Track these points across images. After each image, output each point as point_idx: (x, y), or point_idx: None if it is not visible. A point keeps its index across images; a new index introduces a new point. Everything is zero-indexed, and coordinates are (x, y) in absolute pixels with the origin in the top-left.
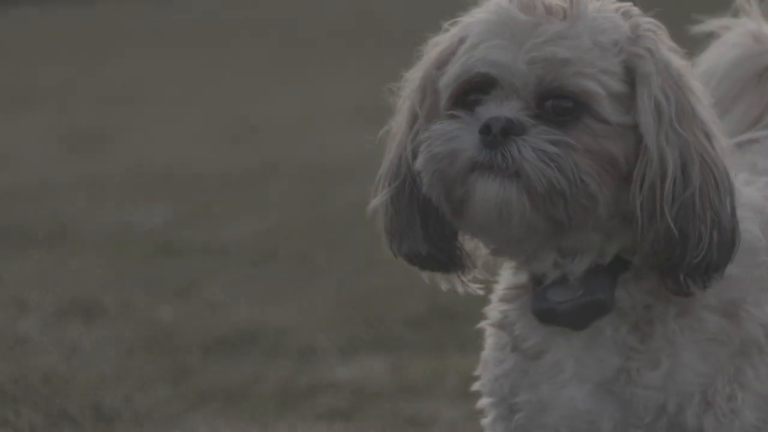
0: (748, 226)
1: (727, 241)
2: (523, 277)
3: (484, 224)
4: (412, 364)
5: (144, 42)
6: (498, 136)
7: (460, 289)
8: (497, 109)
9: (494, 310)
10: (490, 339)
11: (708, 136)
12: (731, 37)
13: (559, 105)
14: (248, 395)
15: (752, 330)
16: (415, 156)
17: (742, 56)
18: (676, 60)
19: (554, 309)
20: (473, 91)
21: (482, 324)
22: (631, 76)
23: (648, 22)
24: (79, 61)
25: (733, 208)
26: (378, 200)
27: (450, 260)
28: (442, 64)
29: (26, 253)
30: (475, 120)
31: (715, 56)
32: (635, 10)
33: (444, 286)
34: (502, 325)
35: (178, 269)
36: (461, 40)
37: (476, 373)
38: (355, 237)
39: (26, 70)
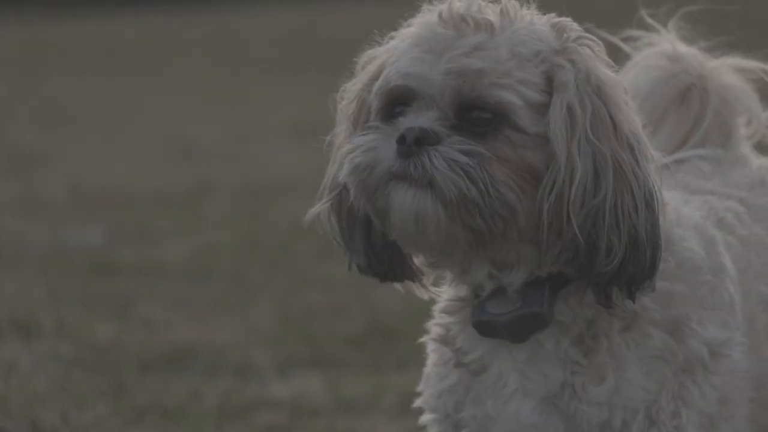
0: (691, 244)
1: (645, 254)
2: (464, 290)
3: (403, 234)
4: (350, 382)
5: (81, 62)
6: (412, 145)
7: (424, 296)
8: (415, 119)
9: (436, 324)
10: (432, 354)
11: (631, 148)
12: (646, 59)
13: (478, 116)
14: (186, 412)
15: (695, 348)
16: None
17: (661, 78)
18: (604, 72)
19: (493, 321)
20: (398, 103)
21: (424, 339)
22: (551, 86)
23: (580, 35)
24: (15, 81)
25: (655, 222)
26: (315, 210)
27: (391, 271)
28: (375, 77)
29: None
30: (394, 131)
31: (632, 79)
32: (568, 22)
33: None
34: (444, 340)
35: (115, 288)
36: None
37: (418, 389)
38: (292, 255)
39: None
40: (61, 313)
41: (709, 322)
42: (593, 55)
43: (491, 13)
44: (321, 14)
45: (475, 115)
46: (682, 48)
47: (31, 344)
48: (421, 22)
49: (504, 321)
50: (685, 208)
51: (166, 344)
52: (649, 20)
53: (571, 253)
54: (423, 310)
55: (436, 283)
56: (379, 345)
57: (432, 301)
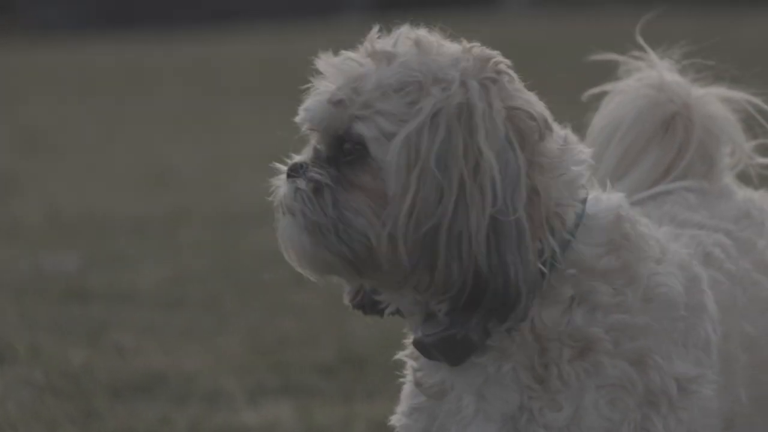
0: (668, 280)
1: (493, 285)
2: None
3: (292, 261)
4: (321, 410)
5: (60, 89)
6: (288, 178)
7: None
8: (303, 153)
9: (409, 341)
10: (407, 369)
11: (484, 175)
12: (632, 87)
13: (348, 147)
14: None
15: (659, 381)
16: None
17: (647, 106)
18: (487, 102)
19: (422, 341)
20: (313, 135)
21: (399, 355)
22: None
23: (489, 65)
24: None
25: (506, 254)
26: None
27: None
28: None
29: None
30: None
31: (618, 107)
32: (486, 53)
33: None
34: (414, 357)
35: (89, 314)
36: None
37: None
38: (264, 283)
39: None
40: (34, 338)
41: (680, 358)
42: (491, 85)
43: (403, 45)
44: (299, 41)
45: (346, 147)
46: (669, 76)
47: (4, 369)
48: (345, 55)
49: (430, 342)
50: (674, 245)
51: (137, 371)
52: (642, 44)
53: (415, 279)
54: (395, 340)
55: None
56: (350, 374)
57: (404, 330)
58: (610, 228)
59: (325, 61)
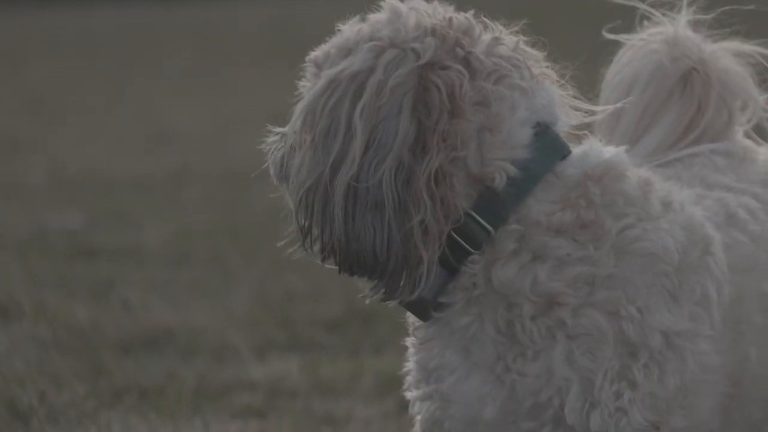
0: (654, 236)
1: (348, 248)
2: None
3: None
4: (328, 365)
5: (62, 49)
6: None
7: None
8: None
9: None
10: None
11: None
12: (644, 42)
13: None
14: (163, 394)
15: (634, 331)
16: None
17: (662, 62)
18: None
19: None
20: None
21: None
22: None
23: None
24: None
25: (367, 222)
26: None
27: None
28: None
29: None
30: None
31: (633, 63)
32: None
33: None
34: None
35: (94, 271)
36: None
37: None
38: (270, 240)
39: None
40: (40, 296)
41: (666, 311)
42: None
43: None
44: (302, 6)
45: None
46: (681, 31)
47: (10, 326)
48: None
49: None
50: (691, 208)
51: (144, 326)
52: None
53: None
54: None
55: None
56: (357, 328)
57: None
58: (571, 186)
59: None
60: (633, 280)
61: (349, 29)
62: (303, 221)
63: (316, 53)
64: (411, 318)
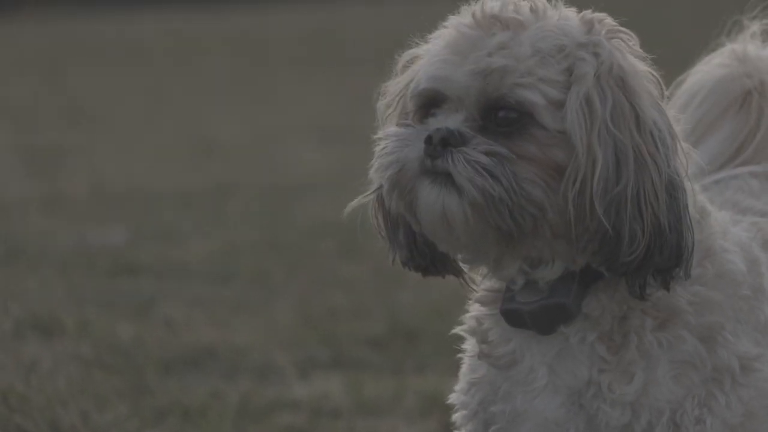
0: (735, 258)
1: (670, 243)
2: (498, 282)
3: (432, 232)
4: (371, 383)
5: (106, 60)
6: (438, 146)
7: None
8: (443, 120)
9: (470, 316)
10: (466, 345)
11: (652, 137)
12: (715, 57)
13: (504, 116)
14: (206, 413)
15: (726, 358)
16: None
17: (726, 77)
18: (629, 63)
19: (519, 309)
20: (431, 104)
21: (457, 330)
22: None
23: (611, 28)
24: (39, 79)
25: (678, 211)
26: (356, 203)
27: (433, 266)
28: (414, 77)
29: None
30: (423, 131)
31: (699, 75)
32: (600, 17)
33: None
34: (473, 332)
35: (137, 287)
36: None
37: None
38: (314, 256)
39: None
40: (82, 313)
41: (743, 336)
42: (622, 47)
43: (522, 11)
44: (344, 12)
45: (501, 115)
46: (753, 49)
47: (53, 344)
48: (454, 23)
49: (529, 309)
50: (734, 228)
51: (187, 344)
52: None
53: (597, 244)
54: (444, 312)
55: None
56: (400, 346)
57: (454, 302)
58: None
59: (451, 29)
60: (725, 303)
61: None
62: (592, 230)
63: None
64: (489, 334)
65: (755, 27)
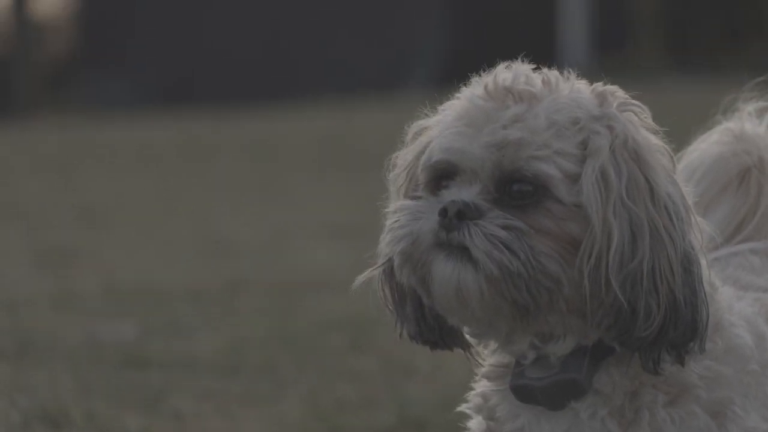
0: (742, 332)
1: (685, 317)
2: (507, 357)
3: (445, 305)
4: None
5: (117, 163)
6: (453, 219)
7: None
8: (458, 193)
9: (475, 394)
10: (471, 423)
11: (667, 211)
12: (713, 134)
13: (519, 189)
14: None
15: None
16: None
17: (724, 154)
18: (643, 137)
19: (530, 386)
20: (443, 176)
21: (462, 408)
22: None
23: (623, 101)
24: (53, 181)
25: (693, 285)
26: (365, 276)
27: (441, 339)
28: (424, 148)
29: None
30: (437, 203)
31: (697, 153)
32: (612, 89)
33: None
34: (479, 409)
35: (146, 381)
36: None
37: None
38: (323, 348)
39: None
40: (90, 406)
41: (752, 411)
42: (635, 120)
43: (535, 84)
44: (358, 116)
45: (516, 188)
46: (750, 127)
47: None
48: (467, 95)
49: (540, 385)
50: (738, 303)
51: None
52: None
53: (612, 318)
54: (453, 401)
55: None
56: None
57: (463, 392)
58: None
59: (464, 101)
60: (734, 379)
61: None
62: (607, 304)
63: None
64: (496, 410)
65: (751, 107)
